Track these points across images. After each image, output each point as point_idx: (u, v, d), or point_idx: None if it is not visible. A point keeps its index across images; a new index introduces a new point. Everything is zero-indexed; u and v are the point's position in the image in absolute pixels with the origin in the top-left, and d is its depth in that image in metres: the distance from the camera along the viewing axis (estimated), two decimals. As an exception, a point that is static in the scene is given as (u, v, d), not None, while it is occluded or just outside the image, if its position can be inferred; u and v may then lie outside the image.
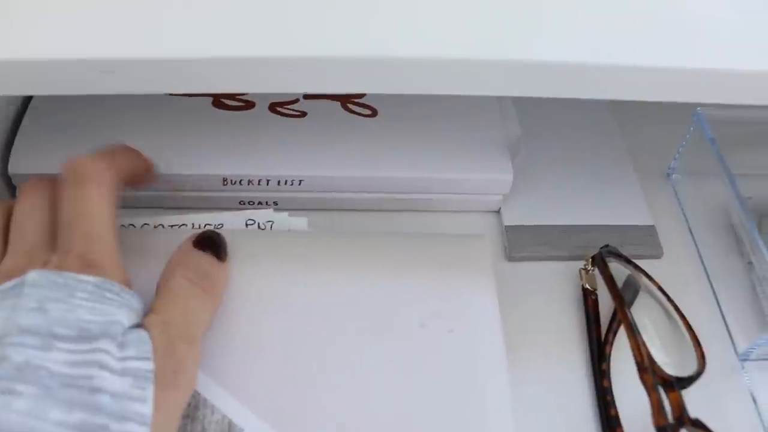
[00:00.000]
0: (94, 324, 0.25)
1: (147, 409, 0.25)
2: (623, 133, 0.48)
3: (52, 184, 0.30)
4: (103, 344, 0.25)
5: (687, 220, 0.45)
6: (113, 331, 0.26)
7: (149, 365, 0.26)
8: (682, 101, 0.30)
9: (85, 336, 0.25)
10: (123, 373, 0.25)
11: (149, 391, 0.25)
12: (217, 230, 0.33)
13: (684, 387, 0.34)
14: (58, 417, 0.23)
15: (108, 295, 0.27)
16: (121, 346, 0.26)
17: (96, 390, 0.24)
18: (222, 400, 0.30)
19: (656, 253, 0.43)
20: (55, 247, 0.28)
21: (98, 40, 0.27)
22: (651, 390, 0.33)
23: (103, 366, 0.25)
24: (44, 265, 0.27)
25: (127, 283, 0.28)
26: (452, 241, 0.37)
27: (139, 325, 0.27)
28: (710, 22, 0.30)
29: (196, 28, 0.27)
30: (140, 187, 0.37)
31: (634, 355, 0.34)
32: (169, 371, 0.27)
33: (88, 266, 0.27)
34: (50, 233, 0.29)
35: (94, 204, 0.29)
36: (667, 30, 0.29)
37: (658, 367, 0.34)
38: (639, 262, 0.40)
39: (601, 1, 0.30)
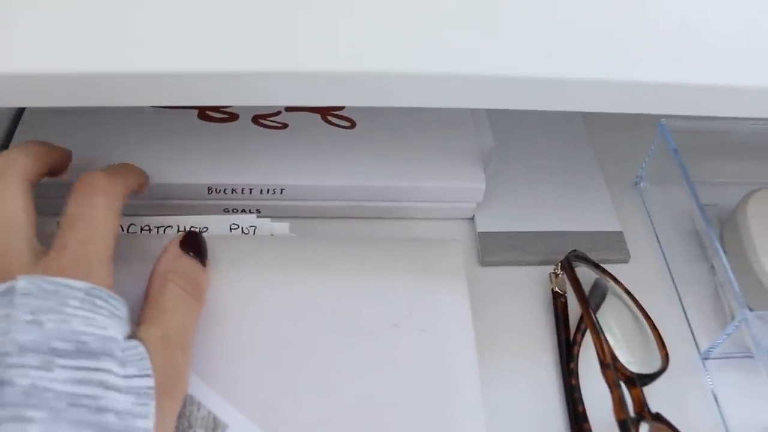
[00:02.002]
0: (91, 337, 0.26)
1: (149, 423, 0.26)
2: (593, 143, 0.50)
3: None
4: (105, 363, 0.25)
5: (654, 227, 0.47)
6: (111, 348, 0.26)
7: (150, 382, 0.27)
8: (647, 113, 0.31)
9: (83, 351, 0.25)
10: (126, 391, 0.26)
11: (151, 407, 0.26)
12: (198, 232, 0.34)
13: (645, 384, 0.35)
14: None
15: (98, 302, 0.27)
16: (122, 364, 0.26)
17: (102, 409, 0.25)
18: (208, 397, 0.31)
19: (624, 258, 0.44)
20: (52, 244, 0.29)
21: (87, 55, 0.27)
22: (613, 386, 0.34)
23: (107, 387, 0.25)
24: (32, 266, 0.27)
25: (111, 288, 0.29)
26: (426, 245, 0.38)
27: (133, 337, 0.28)
28: (675, 41, 0.31)
29: (179, 44, 0.28)
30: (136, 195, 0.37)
31: (597, 353, 0.35)
32: (169, 383, 0.28)
33: (78, 264, 0.28)
34: (34, 235, 0.29)
35: (100, 211, 0.30)
36: (634, 46, 0.30)
37: (621, 364, 0.35)
38: (607, 267, 0.41)
39: (571, 17, 0.31)
